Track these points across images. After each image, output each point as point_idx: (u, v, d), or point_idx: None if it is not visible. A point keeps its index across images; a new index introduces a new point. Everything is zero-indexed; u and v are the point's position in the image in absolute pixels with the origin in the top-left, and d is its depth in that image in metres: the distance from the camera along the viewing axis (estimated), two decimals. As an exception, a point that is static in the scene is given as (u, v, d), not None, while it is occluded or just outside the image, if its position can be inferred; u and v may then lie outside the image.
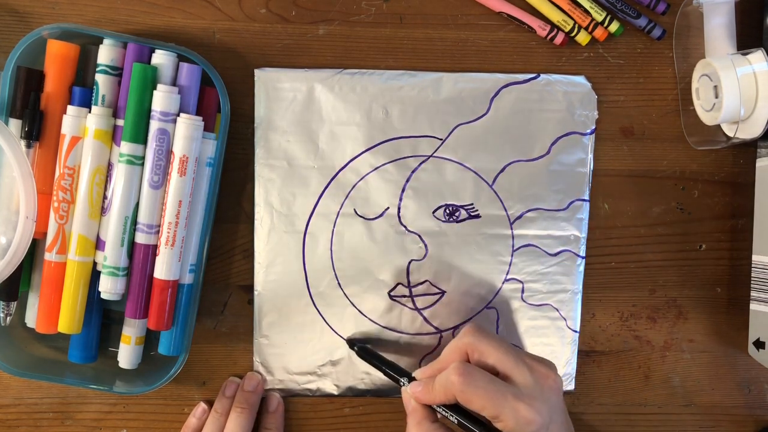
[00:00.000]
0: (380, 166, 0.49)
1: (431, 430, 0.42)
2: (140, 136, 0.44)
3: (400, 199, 0.49)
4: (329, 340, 0.50)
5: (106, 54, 0.44)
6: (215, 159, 0.46)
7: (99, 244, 0.45)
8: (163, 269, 0.45)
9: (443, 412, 0.42)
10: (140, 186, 0.45)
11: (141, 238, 0.45)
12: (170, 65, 0.45)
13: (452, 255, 0.49)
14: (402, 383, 0.45)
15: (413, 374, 0.45)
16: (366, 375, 0.50)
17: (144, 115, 0.44)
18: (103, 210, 0.45)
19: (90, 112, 0.44)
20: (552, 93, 0.49)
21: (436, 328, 0.50)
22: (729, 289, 0.52)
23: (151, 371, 0.48)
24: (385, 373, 0.47)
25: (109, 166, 0.45)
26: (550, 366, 0.43)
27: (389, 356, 0.49)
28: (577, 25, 0.48)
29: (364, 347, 0.48)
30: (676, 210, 0.51)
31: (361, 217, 0.49)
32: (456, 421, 0.42)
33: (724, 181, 0.51)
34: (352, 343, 0.49)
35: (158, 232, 0.45)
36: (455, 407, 0.42)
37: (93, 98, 0.44)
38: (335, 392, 0.50)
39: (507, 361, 0.41)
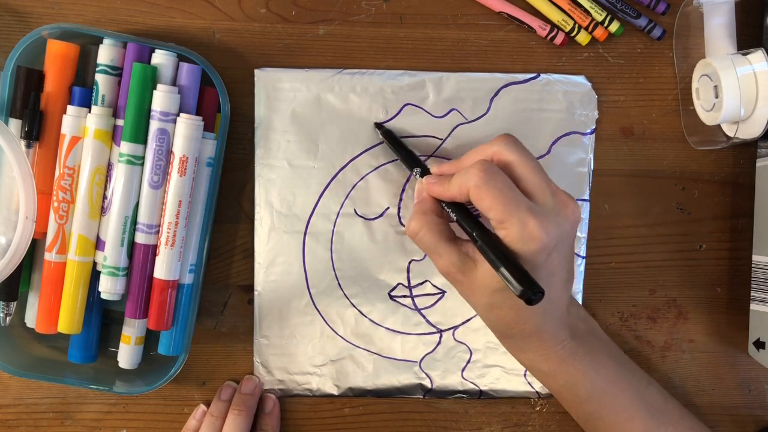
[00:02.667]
0: (380, 166, 0.49)
1: (431, 223, 0.42)
2: (140, 136, 0.44)
3: (400, 199, 0.49)
4: (329, 340, 0.50)
5: (106, 54, 0.44)
6: (215, 159, 0.46)
7: (99, 244, 0.45)
8: (163, 269, 0.45)
9: (447, 209, 0.42)
10: (140, 186, 0.45)
11: (141, 238, 0.45)
12: (170, 65, 0.45)
13: (452, 255, 0.49)
14: (415, 173, 0.45)
15: (429, 167, 0.45)
16: (367, 375, 0.50)
17: (144, 115, 0.44)
18: (103, 210, 0.45)
19: (90, 112, 0.44)
20: (552, 93, 0.49)
21: (436, 328, 0.50)
22: (729, 289, 0.52)
23: (151, 371, 0.48)
24: (402, 159, 0.47)
25: (109, 166, 0.45)
26: (573, 199, 0.41)
27: (390, 357, 0.50)
28: (577, 25, 0.48)
29: (389, 131, 0.48)
30: (676, 210, 0.51)
31: (361, 217, 0.49)
32: (455, 218, 0.42)
33: (724, 181, 0.51)
34: (379, 125, 0.48)
35: (158, 232, 0.45)
36: (461, 207, 0.42)
37: (93, 98, 0.44)
38: (335, 392, 0.50)
39: (533, 176, 0.40)
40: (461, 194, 0.40)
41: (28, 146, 0.44)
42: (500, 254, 0.38)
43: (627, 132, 0.50)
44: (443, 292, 0.50)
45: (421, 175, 0.44)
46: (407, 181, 0.49)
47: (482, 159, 0.41)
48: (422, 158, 0.49)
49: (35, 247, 0.46)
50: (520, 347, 0.44)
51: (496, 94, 0.49)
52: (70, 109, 0.44)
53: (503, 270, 0.37)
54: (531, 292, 0.36)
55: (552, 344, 0.43)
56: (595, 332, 0.46)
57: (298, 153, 0.48)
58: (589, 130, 0.50)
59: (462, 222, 0.41)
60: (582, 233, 0.50)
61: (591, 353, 0.44)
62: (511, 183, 0.39)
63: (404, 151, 0.47)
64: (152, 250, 0.45)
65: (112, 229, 0.44)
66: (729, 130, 0.48)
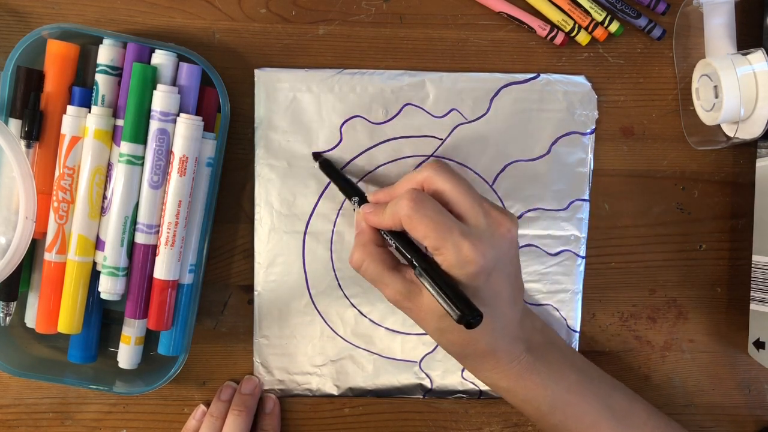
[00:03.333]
0: (380, 166, 0.49)
1: (374, 253, 0.42)
2: (140, 136, 0.44)
3: (400, 199, 0.49)
4: (329, 340, 0.50)
5: (106, 54, 0.44)
6: (215, 159, 0.46)
7: (99, 244, 0.45)
8: (163, 269, 0.45)
9: (386, 237, 0.42)
10: (140, 186, 0.45)
11: (141, 238, 0.45)
12: (170, 65, 0.45)
13: (452, 255, 0.49)
14: (353, 202, 0.45)
15: (367, 196, 0.45)
16: (367, 375, 0.50)
17: (144, 115, 0.44)
18: (103, 210, 0.45)
19: (90, 112, 0.44)
20: (552, 93, 0.49)
21: (436, 328, 0.50)
22: (729, 289, 0.52)
23: (151, 371, 0.48)
24: (341, 189, 0.46)
25: (109, 166, 0.45)
26: (508, 215, 0.42)
27: (389, 357, 0.50)
28: (577, 25, 0.48)
29: (326, 161, 0.48)
30: (676, 210, 0.51)
31: (361, 217, 0.49)
32: (394, 246, 0.42)
33: (724, 181, 0.51)
34: (317, 155, 0.48)
35: (158, 232, 0.45)
36: (400, 235, 0.41)
37: (93, 98, 0.44)
38: (335, 392, 0.50)
39: (464, 199, 0.40)
40: (395, 224, 0.41)
41: (28, 146, 0.44)
42: (438, 280, 0.38)
43: (627, 132, 0.50)
44: (443, 292, 0.50)
45: (359, 204, 0.44)
46: (407, 181, 0.49)
47: (412, 188, 0.41)
48: (422, 158, 0.49)
49: (35, 247, 0.46)
50: (477, 367, 0.44)
51: (496, 94, 0.49)
52: (70, 109, 0.44)
53: (440, 296, 0.38)
54: (470, 315, 0.36)
55: (507, 361, 0.43)
56: (553, 342, 0.46)
57: (298, 153, 0.48)
58: (589, 130, 0.50)
59: (401, 250, 0.41)
60: (582, 233, 0.50)
61: (549, 365, 0.44)
62: (442, 209, 0.40)
63: (342, 181, 0.47)
64: (152, 250, 0.45)
65: (112, 229, 0.44)
66: (729, 130, 0.48)
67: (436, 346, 0.50)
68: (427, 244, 0.39)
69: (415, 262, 0.40)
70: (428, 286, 0.39)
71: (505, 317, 0.42)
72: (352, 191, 0.45)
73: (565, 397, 0.44)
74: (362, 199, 0.44)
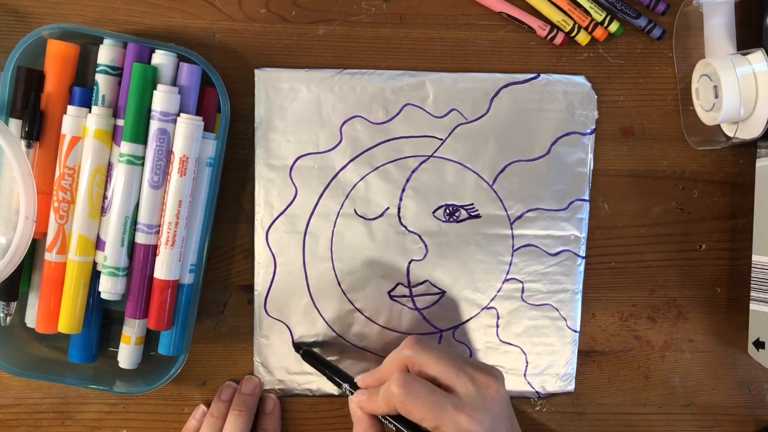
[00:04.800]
0: (380, 166, 0.49)
1: None
2: (140, 136, 0.44)
3: (400, 199, 0.49)
4: (329, 340, 0.50)
5: (106, 54, 0.44)
6: (215, 159, 0.46)
7: (99, 244, 0.45)
8: (163, 269, 0.45)
9: (386, 422, 0.43)
10: (140, 186, 0.45)
11: (141, 238, 0.45)
12: (170, 65, 0.45)
13: (452, 255, 0.49)
14: (345, 389, 0.45)
15: (355, 380, 0.45)
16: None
17: (144, 115, 0.44)
18: (103, 210, 0.45)
19: (90, 112, 0.44)
20: (552, 93, 0.49)
21: (436, 327, 0.50)
22: (729, 289, 0.52)
23: (151, 371, 0.48)
24: (329, 378, 0.47)
25: (109, 166, 0.45)
26: (494, 375, 0.43)
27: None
28: (577, 25, 0.48)
29: (309, 350, 0.48)
30: (676, 210, 0.51)
31: (361, 217, 0.49)
32: (395, 429, 0.42)
33: (724, 181, 0.51)
34: (298, 347, 0.49)
35: (158, 232, 0.45)
36: (400, 417, 0.42)
37: (93, 98, 0.44)
38: (335, 392, 0.50)
39: (447, 372, 0.41)
40: (390, 410, 0.41)
41: (29, 146, 0.44)
42: None
43: (627, 132, 0.50)
44: (443, 292, 0.50)
45: (352, 390, 0.45)
46: (407, 180, 0.49)
47: (398, 371, 0.41)
48: (422, 158, 0.49)
49: (35, 247, 0.46)
50: None
51: (496, 94, 0.49)
52: (71, 109, 0.44)
53: None
54: None
55: None
56: None
57: (298, 153, 0.48)
58: (588, 130, 0.50)
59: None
60: (582, 233, 0.50)
61: None
62: (431, 387, 0.41)
63: (329, 369, 0.47)
64: (152, 250, 0.45)
65: (112, 229, 0.44)
66: (729, 130, 0.48)
67: (436, 346, 0.50)
68: (426, 425, 0.40)
69: None
70: None
71: None
72: (341, 378, 0.46)
73: None
74: (352, 385, 0.45)
